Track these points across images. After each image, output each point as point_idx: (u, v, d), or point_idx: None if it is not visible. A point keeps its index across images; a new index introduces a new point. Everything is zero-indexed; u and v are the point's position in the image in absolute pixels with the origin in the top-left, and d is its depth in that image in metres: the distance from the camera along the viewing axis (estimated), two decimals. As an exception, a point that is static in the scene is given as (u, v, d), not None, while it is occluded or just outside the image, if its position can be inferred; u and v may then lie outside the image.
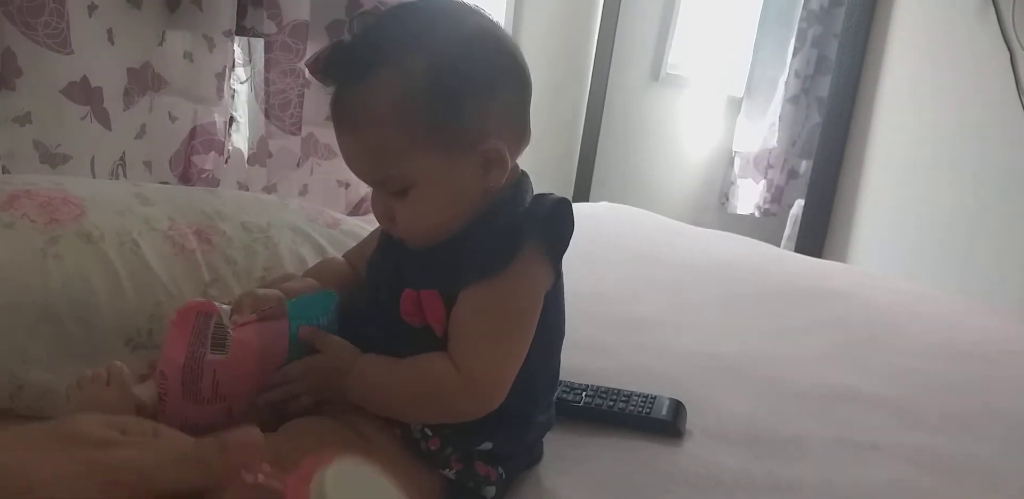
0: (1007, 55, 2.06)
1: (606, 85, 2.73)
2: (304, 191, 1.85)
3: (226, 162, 1.68)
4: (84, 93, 1.37)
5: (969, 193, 2.18)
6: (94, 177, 1.41)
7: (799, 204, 2.55)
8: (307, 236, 1.05)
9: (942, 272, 2.22)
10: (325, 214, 1.15)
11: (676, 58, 2.83)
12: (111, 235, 0.92)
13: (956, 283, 2.14)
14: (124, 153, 1.49)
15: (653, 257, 1.68)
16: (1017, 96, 2.05)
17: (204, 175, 1.64)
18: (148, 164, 1.57)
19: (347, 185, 1.90)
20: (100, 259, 0.90)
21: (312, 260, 1.02)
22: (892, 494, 0.85)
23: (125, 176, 1.49)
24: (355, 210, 1.93)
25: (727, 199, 2.80)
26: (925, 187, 2.27)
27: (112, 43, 1.42)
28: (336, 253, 1.05)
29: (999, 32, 2.07)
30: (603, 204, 2.20)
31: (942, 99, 2.23)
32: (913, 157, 2.29)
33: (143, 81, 1.52)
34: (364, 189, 1.93)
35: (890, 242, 2.36)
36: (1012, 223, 2.10)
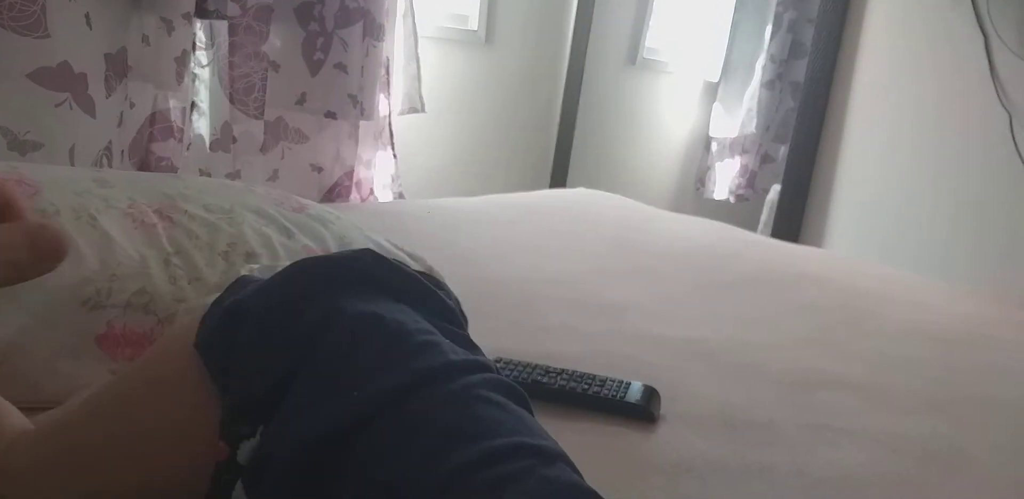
0: (981, 40, 2.06)
1: (583, 69, 2.70)
2: (274, 177, 1.82)
3: (187, 149, 1.64)
4: (62, 79, 1.33)
5: (944, 177, 2.19)
6: (73, 166, 1.35)
7: (775, 189, 2.54)
8: (272, 218, 1.03)
9: (918, 257, 2.23)
10: (292, 199, 1.12)
11: (653, 42, 2.81)
12: (67, 211, 0.89)
13: (932, 268, 2.15)
14: (111, 142, 1.45)
15: (629, 242, 1.67)
16: (991, 80, 2.06)
17: (163, 163, 1.60)
18: (124, 153, 1.53)
19: (320, 169, 1.87)
20: None
21: (277, 240, 1.00)
22: (865, 478, 0.85)
23: (110, 165, 1.45)
24: (327, 195, 1.90)
25: (703, 184, 2.80)
26: (901, 172, 2.28)
27: (90, 28, 1.38)
28: (304, 237, 1.02)
29: (974, 17, 2.07)
30: (580, 189, 2.19)
31: (917, 84, 2.23)
32: (889, 142, 2.30)
33: (119, 67, 1.47)
34: (337, 173, 1.90)
35: (866, 227, 2.36)
36: (988, 208, 2.11)
